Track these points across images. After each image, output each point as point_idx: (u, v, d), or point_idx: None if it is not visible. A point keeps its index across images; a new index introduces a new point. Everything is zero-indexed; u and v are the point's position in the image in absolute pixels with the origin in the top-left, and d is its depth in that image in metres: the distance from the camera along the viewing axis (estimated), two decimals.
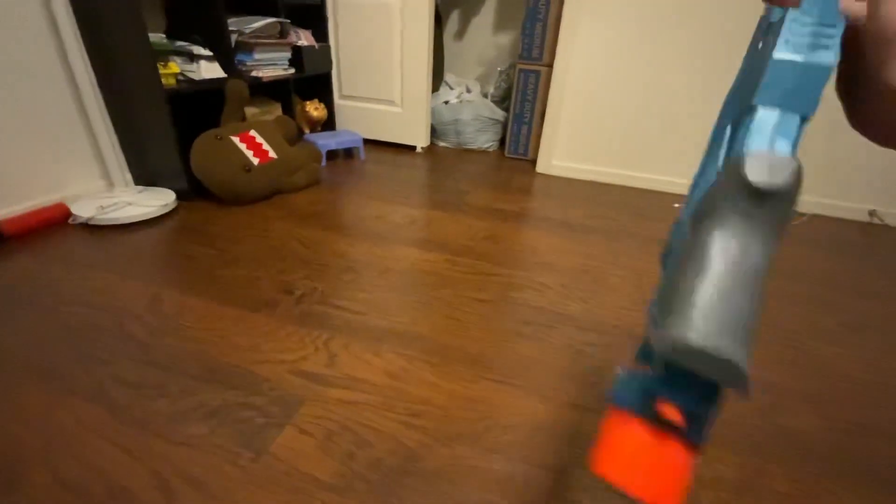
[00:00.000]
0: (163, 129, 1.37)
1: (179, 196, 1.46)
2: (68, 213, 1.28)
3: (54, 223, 1.26)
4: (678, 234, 0.23)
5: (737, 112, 0.23)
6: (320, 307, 0.99)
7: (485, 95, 2.44)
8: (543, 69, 1.99)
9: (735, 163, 0.18)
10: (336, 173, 1.89)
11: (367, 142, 2.23)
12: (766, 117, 0.20)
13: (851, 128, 0.24)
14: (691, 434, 0.19)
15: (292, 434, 0.68)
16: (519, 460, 0.66)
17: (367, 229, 1.38)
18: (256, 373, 0.79)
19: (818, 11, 0.19)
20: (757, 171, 0.18)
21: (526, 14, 1.93)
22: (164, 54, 1.38)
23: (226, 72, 1.55)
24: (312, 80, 2.11)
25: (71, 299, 0.96)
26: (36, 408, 0.70)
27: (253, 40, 1.66)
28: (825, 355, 0.93)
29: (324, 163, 1.94)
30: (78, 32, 1.28)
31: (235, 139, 1.47)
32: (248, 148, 1.48)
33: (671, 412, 0.19)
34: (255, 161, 1.48)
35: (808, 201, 1.78)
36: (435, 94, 2.38)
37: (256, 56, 1.70)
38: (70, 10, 1.24)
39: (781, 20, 0.20)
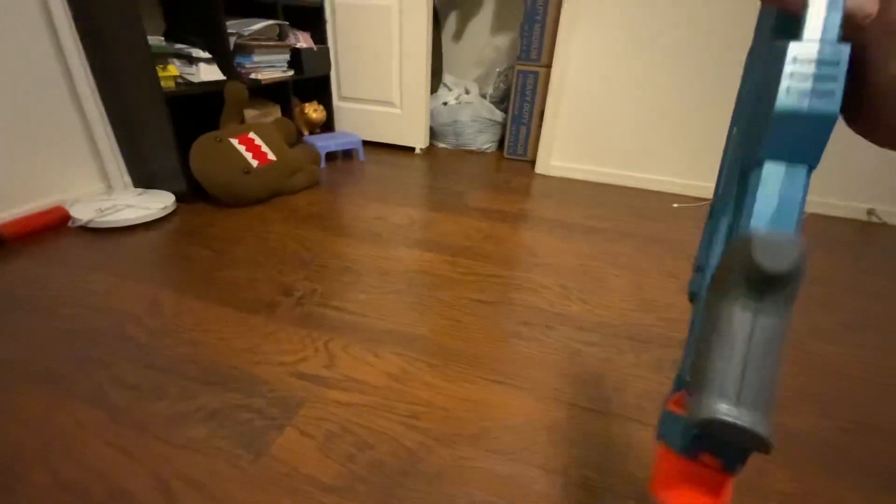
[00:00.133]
0: (162, 132, 1.37)
1: (178, 198, 1.46)
2: (67, 216, 1.28)
3: (53, 226, 1.26)
4: (703, 273, 0.27)
5: (744, 124, 0.24)
6: (320, 308, 0.99)
7: (483, 96, 2.44)
8: (542, 70, 1.99)
9: (744, 245, 0.19)
10: (335, 175, 1.89)
11: (366, 143, 2.24)
12: (772, 176, 0.20)
13: (852, 130, 0.24)
14: (728, 469, 0.23)
15: (292, 436, 0.68)
16: (520, 461, 0.66)
17: (367, 230, 1.38)
18: (256, 374, 0.79)
19: (822, 46, 0.19)
20: (764, 258, 0.19)
21: (524, 15, 1.93)
22: (163, 57, 1.38)
23: (225, 74, 1.55)
24: (311, 81, 2.11)
25: (70, 302, 0.96)
26: (35, 410, 0.70)
27: (252, 42, 1.66)
28: (825, 354, 0.94)
29: (323, 164, 1.94)
30: (76, 35, 1.28)
31: (234, 141, 1.47)
32: (247, 150, 1.48)
33: (711, 462, 0.23)
34: (255, 163, 1.48)
35: (807, 200, 1.79)
36: (434, 95, 2.38)
37: (255, 58, 1.70)
38: (68, 12, 1.24)
39: (782, 52, 0.19)
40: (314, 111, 2.11)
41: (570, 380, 0.82)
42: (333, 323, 0.94)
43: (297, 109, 2.09)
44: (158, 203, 1.38)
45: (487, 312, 1.01)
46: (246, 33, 1.62)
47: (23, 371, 0.77)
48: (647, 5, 1.68)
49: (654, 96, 1.81)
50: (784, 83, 0.19)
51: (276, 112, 1.91)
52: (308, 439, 0.67)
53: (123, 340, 0.86)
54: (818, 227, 1.65)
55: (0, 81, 1.15)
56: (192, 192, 1.46)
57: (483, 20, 2.53)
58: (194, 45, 1.47)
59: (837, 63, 0.19)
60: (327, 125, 2.27)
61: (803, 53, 0.19)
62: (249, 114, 1.75)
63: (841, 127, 1.55)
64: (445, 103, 2.35)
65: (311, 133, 2.19)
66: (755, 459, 0.68)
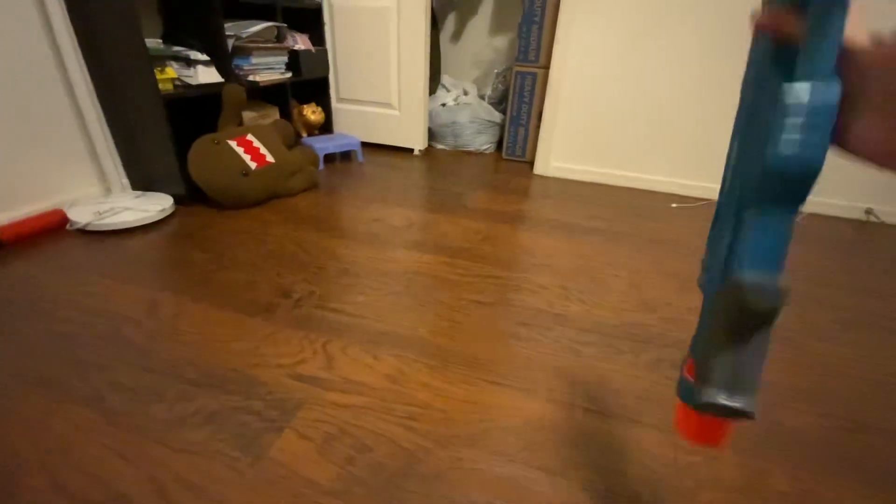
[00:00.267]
0: (160, 134, 1.37)
1: (177, 201, 1.46)
2: (65, 219, 1.27)
3: (51, 229, 1.26)
4: (709, 283, 0.33)
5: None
6: (318, 310, 0.98)
7: (482, 97, 2.45)
8: (540, 71, 1.99)
9: (737, 289, 0.24)
10: (334, 177, 1.89)
11: (364, 145, 2.24)
12: (762, 224, 0.24)
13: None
14: (727, 420, 0.32)
15: (291, 438, 0.68)
16: (519, 462, 0.66)
17: (365, 232, 1.38)
18: (254, 377, 0.79)
19: (814, 90, 0.20)
20: (755, 299, 0.23)
21: (522, 16, 1.93)
22: (161, 59, 1.38)
23: (223, 76, 1.55)
24: (310, 83, 2.11)
25: (68, 305, 0.96)
26: (33, 414, 0.69)
27: (250, 45, 1.66)
28: (822, 353, 0.94)
29: (321, 166, 1.94)
30: (74, 38, 1.28)
31: (233, 143, 1.47)
32: (245, 152, 1.48)
33: (714, 416, 0.31)
34: (253, 165, 1.48)
35: (806, 200, 1.79)
36: (432, 96, 2.38)
37: (254, 60, 1.70)
38: (66, 15, 1.24)
39: (775, 97, 0.20)
40: (312, 113, 2.11)
41: (568, 380, 0.82)
42: (332, 325, 0.94)
43: (295, 111, 2.09)
44: (156, 205, 1.38)
45: (486, 313, 1.01)
46: (244, 35, 1.62)
47: (19, 375, 0.77)
48: (644, 6, 1.68)
49: (652, 97, 1.81)
50: (775, 133, 0.21)
51: (274, 114, 1.91)
52: (306, 441, 0.67)
53: (121, 343, 0.85)
54: (816, 227, 1.65)
55: None
56: (190, 195, 1.46)
57: (481, 21, 2.53)
58: (192, 47, 1.47)
59: (829, 109, 0.20)
60: (326, 127, 2.27)
61: (795, 99, 0.21)
62: (247, 116, 1.75)
63: None
64: (444, 104, 2.35)
65: (310, 135, 2.18)
66: (753, 458, 0.68)
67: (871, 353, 0.94)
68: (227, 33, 1.55)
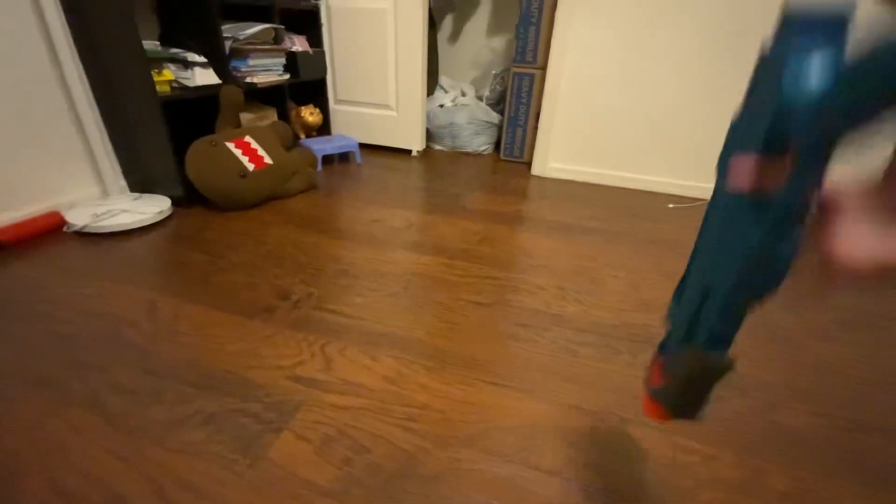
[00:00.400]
0: (157, 136, 1.37)
1: (175, 203, 1.46)
2: (63, 221, 1.27)
3: (49, 231, 1.26)
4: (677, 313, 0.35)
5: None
6: (317, 312, 0.98)
7: (480, 98, 2.45)
8: (537, 72, 2.00)
9: (697, 360, 0.29)
10: (332, 178, 1.89)
11: (362, 146, 2.24)
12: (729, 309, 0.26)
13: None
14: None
15: (289, 440, 0.68)
16: (517, 462, 0.66)
17: (363, 233, 1.38)
18: (253, 379, 0.79)
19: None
20: (711, 370, 0.28)
21: (519, 17, 1.94)
22: (159, 61, 1.38)
23: (220, 78, 1.55)
24: (307, 85, 2.11)
25: (66, 307, 0.96)
26: (31, 416, 0.69)
27: (247, 46, 1.66)
28: (821, 353, 0.94)
29: (319, 168, 1.95)
30: (71, 40, 1.28)
31: (231, 145, 1.47)
32: (243, 154, 1.48)
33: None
34: (251, 167, 1.48)
35: None
36: (430, 97, 2.39)
37: (251, 62, 1.70)
38: (63, 17, 1.24)
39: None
40: (310, 114, 2.11)
41: (566, 381, 0.82)
42: (330, 326, 0.94)
43: (293, 113, 2.09)
44: (154, 207, 1.37)
45: (484, 314, 1.01)
46: (241, 37, 1.62)
47: (18, 377, 0.77)
48: (642, 6, 1.68)
49: (649, 97, 1.82)
50: (762, 228, 0.23)
51: (272, 116, 1.91)
52: (305, 443, 0.67)
53: (120, 345, 0.85)
54: None
55: None
56: (188, 197, 1.46)
57: (479, 22, 2.54)
58: (190, 49, 1.47)
59: (803, 211, 0.21)
60: (323, 128, 2.27)
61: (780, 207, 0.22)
62: (245, 118, 1.75)
63: None
64: (442, 105, 2.35)
65: (308, 136, 2.18)
66: (752, 458, 0.69)
67: (870, 353, 0.95)
68: (224, 35, 1.55)
